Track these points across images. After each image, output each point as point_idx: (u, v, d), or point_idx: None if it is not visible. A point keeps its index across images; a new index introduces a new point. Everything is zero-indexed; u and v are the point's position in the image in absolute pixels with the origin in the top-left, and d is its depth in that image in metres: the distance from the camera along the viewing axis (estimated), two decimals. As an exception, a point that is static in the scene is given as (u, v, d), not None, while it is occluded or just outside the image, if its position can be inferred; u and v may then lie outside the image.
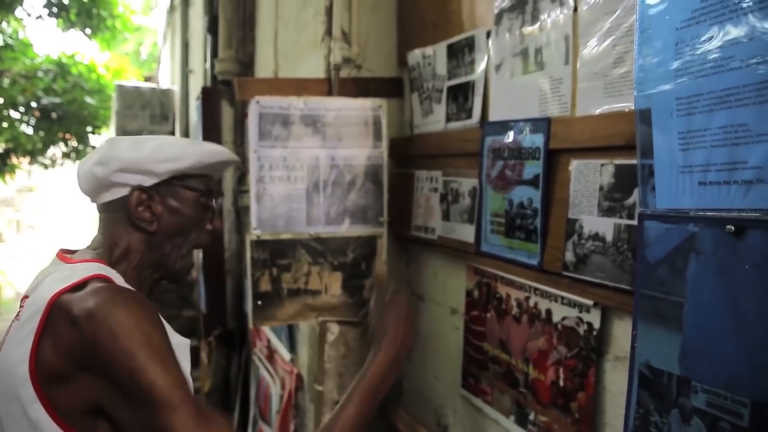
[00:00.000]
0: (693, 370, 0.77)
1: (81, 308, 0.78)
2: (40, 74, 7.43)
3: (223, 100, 3.38)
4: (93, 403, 0.80)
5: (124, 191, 0.96)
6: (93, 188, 0.98)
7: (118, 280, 0.90)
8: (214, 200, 1.05)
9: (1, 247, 8.68)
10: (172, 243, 1.00)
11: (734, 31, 0.70)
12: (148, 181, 0.96)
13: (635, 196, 1.10)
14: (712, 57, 0.73)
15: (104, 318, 0.77)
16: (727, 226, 0.71)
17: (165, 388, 0.76)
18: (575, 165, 1.35)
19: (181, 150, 0.96)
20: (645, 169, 0.85)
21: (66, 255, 0.97)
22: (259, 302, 1.95)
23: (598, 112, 1.28)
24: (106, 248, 0.96)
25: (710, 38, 0.73)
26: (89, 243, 1.01)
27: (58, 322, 0.79)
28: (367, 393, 1.02)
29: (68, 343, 0.78)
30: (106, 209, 0.99)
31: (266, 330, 2.85)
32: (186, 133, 5.14)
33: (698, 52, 0.75)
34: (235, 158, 1.07)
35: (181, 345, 0.98)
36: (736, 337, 0.72)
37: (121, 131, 5.62)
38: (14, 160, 8.71)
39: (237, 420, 3.25)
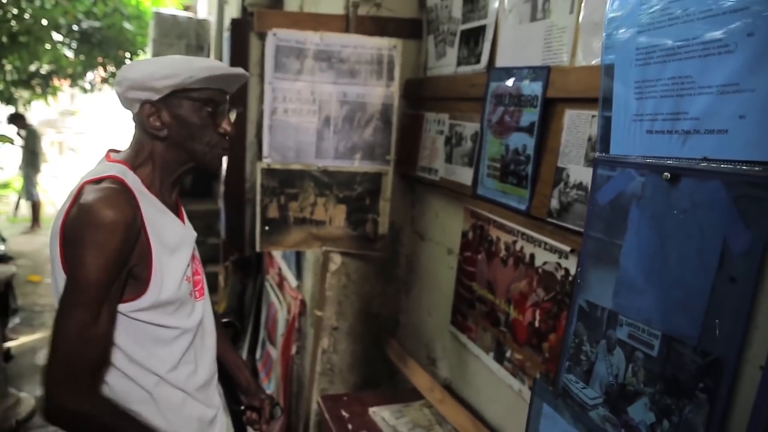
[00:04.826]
0: (621, 305, 0.84)
1: (85, 199, 1.02)
2: (81, -3, 7.53)
3: (252, 33, 3.40)
4: None
5: (138, 105, 1.12)
6: (122, 104, 1.17)
7: (132, 180, 1.10)
8: (219, 109, 1.16)
9: (45, 167, 9.07)
10: (188, 144, 1.15)
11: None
12: (154, 96, 1.10)
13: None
14: (669, 10, 0.75)
15: (87, 210, 1.00)
16: (664, 174, 0.76)
17: (88, 277, 0.98)
18: (569, 115, 1.38)
19: (176, 67, 1.09)
20: (605, 117, 0.89)
21: (110, 154, 1.19)
22: (267, 228, 2.06)
23: (595, 62, 1.30)
24: (134, 152, 1.16)
25: (671, -10, 0.75)
26: (127, 145, 1.21)
27: (75, 203, 1.03)
28: None
29: (72, 219, 1.02)
30: (134, 120, 1.17)
31: (278, 258, 2.99)
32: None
33: (659, 5, 0.77)
34: (233, 71, 1.15)
35: (187, 235, 1.23)
36: (659, 276, 0.77)
37: (157, 59, 5.69)
38: (56, 82, 8.95)
39: (248, 342, 3.46)
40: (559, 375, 1.02)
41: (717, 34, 0.70)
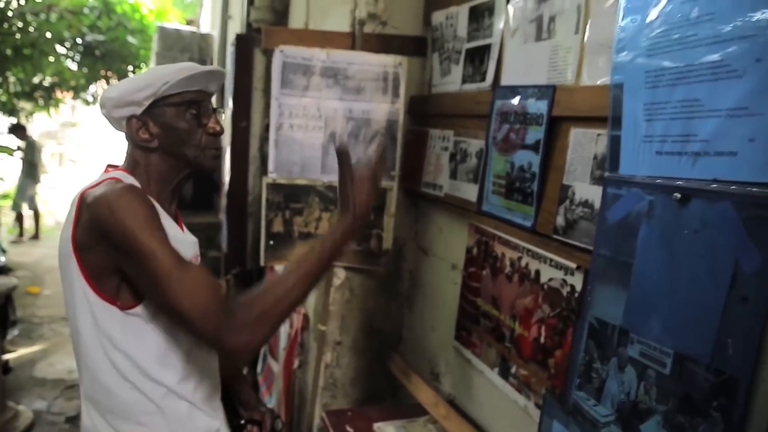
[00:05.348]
0: (633, 323, 0.85)
1: (92, 197, 1.04)
2: (86, 11, 7.59)
3: (256, 48, 3.43)
4: (111, 265, 1.06)
5: (125, 122, 1.16)
6: (112, 126, 1.21)
7: (132, 182, 1.13)
8: (203, 109, 1.17)
9: (45, 178, 9.11)
10: (180, 150, 1.16)
11: (698, 12, 0.74)
12: (138, 110, 1.13)
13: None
14: (678, 34, 0.77)
15: (105, 200, 1.02)
16: (674, 194, 0.77)
17: (147, 242, 0.98)
18: (574, 133, 1.40)
19: (150, 77, 1.12)
20: (614, 137, 0.90)
21: (108, 168, 1.22)
22: (271, 242, 2.07)
23: (600, 82, 1.32)
24: (131, 163, 1.19)
25: (680, 16, 0.77)
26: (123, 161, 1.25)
27: (82, 210, 1.05)
28: (329, 249, 1.12)
29: (87, 223, 1.04)
30: (126, 138, 1.20)
31: (280, 271, 2.99)
32: (221, 79, 5.23)
33: (668, 29, 0.79)
34: (207, 68, 1.17)
35: (189, 241, 1.25)
36: (670, 295, 0.78)
37: (160, 72, 5.72)
38: (59, 94, 9.01)
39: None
40: (570, 392, 1.03)
41: (725, 59, 0.72)
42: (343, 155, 1.16)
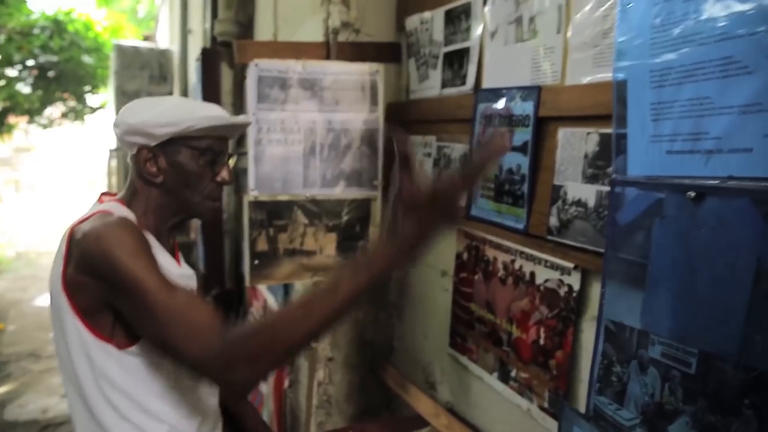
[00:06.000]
0: (652, 324, 0.84)
1: (81, 232, 1.00)
2: (36, 31, 7.33)
3: (223, 62, 3.38)
4: (103, 301, 1.01)
5: (135, 149, 1.11)
6: (120, 145, 1.16)
7: (126, 214, 1.08)
8: (219, 157, 1.14)
9: (0, 206, 8.76)
10: (183, 193, 1.13)
11: (704, 9, 0.74)
12: (152, 142, 1.09)
13: (617, 164, 1.15)
14: (683, 32, 0.77)
15: (93, 233, 0.98)
16: (688, 193, 0.77)
17: (133, 271, 0.93)
18: (562, 133, 1.40)
19: (176, 115, 1.07)
20: (619, 137, 0.90)
21: (102, 197, 1.17)
22: (256, 261, 2.02)
23: (586, 81, 1.32)
24: (130, 192, 1.14)
25: (684, 14, 0.77)
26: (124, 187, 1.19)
27: (72, 246, 1.01)
28: (355, 279, 0.85)
29: (77, 260, 1.00)
30: (132, 161, 1.15)
31: (263, 290, 2.93)
32: (184, 95, 5.13)
33: (672, 27, 0.79)
34: (235, 120, 1.15)
35: (185, 275, 1.20)
36: (690, 293, 0.78)
37: (120, 91, 5.58)
38: (12, 119, 8.67)
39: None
40: (590, 397, 1.02)
41: (735, 55, 0.72)
42: (404, 157, 0.81)
